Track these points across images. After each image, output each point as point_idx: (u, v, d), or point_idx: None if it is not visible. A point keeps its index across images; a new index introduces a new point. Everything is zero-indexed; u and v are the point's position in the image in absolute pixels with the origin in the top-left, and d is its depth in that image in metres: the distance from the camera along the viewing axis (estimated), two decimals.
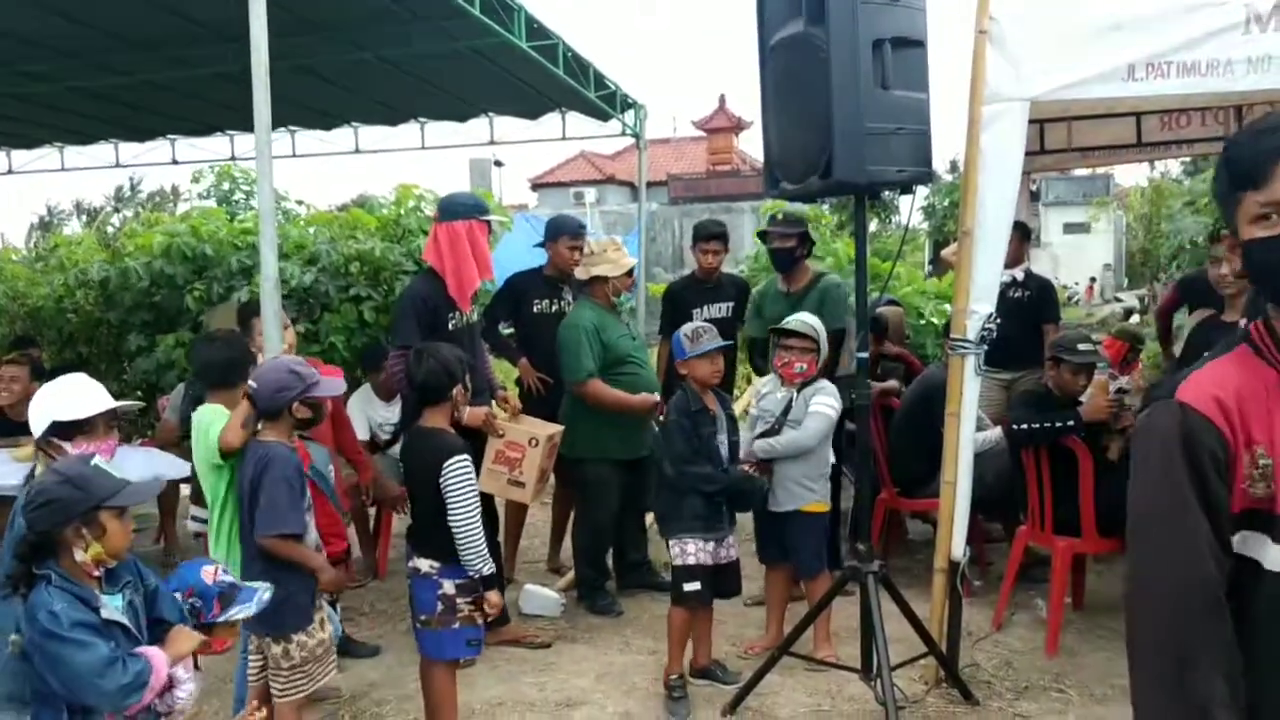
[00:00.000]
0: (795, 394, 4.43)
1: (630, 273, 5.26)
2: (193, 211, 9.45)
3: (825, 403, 4.37)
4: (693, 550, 4.18)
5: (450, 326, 4.68)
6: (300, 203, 11.07)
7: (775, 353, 4.52)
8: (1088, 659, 4.51)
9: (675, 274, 9.50)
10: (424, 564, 3.63)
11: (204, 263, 7.37)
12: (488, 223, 4.79)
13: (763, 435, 4.45)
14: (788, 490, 4.41)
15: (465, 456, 3.59)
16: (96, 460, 2.58)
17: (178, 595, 2.80)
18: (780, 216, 5.51)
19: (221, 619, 2.85)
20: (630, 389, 5.08)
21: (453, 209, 4.77)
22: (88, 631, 2.43)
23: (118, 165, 10.19)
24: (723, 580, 4.31)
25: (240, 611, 2.89)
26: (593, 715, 4.18)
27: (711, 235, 5.79)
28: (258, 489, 3.37)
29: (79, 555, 2.48)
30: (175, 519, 6.66)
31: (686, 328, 4.34)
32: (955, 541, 4.10)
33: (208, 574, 2.90)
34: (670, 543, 4.25)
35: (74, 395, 3.11)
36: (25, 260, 9.89)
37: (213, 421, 3.56)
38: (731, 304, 5.87)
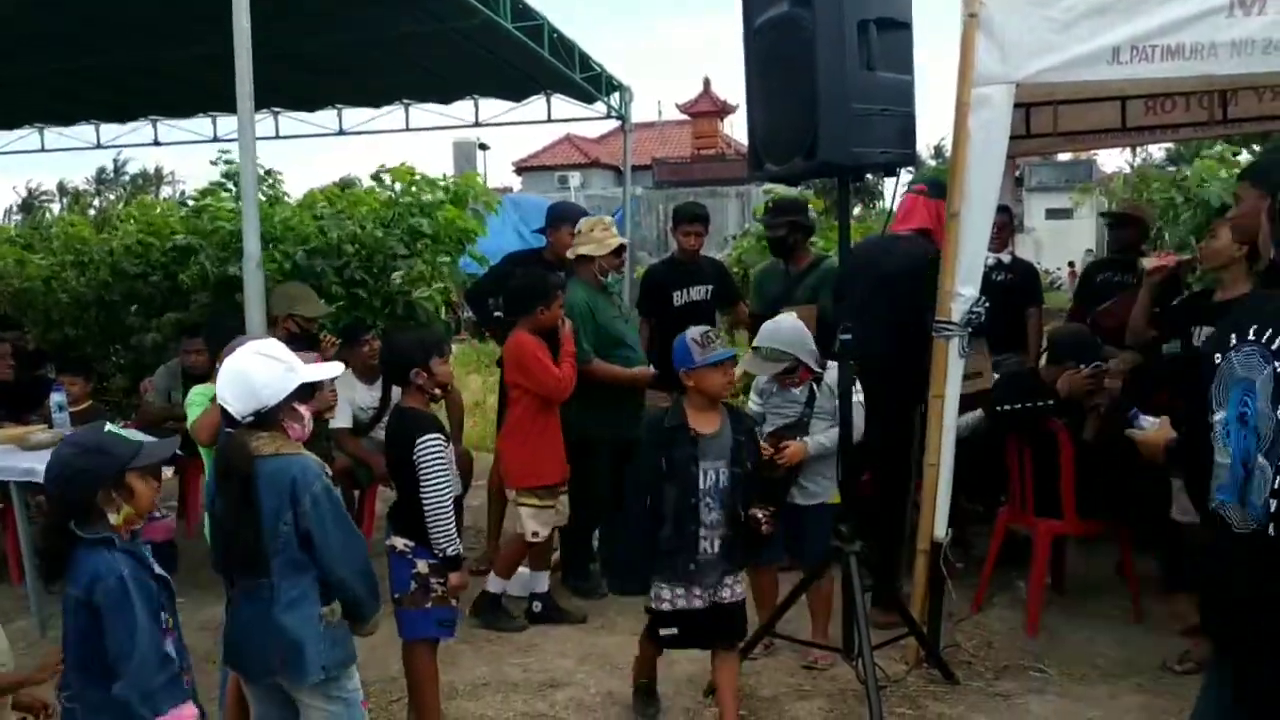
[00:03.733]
0: (814, 384, 4.28)
1: (618, 252, 5.26)
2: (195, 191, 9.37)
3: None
4: (668, 596, 3.64)
5: None
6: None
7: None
8: (1068, 639, 4.54)
9: (659, 257, 9.53)
10: (399, 542, 3.63)
11: (202, 240, 7.28)
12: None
13: (788, 428, 4.29)
14: (818, 484, 4.32)
15: (437, 435, 3.60)
16: (109, 427, 2.58)
17: None
18: (771, 205, 5.53)
19: None
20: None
21: (939, 190, 4.69)
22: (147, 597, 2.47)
23: (99, 146, 10.16)
24: (711, 625, 3.67)
25: None
26: (576, 695, 4.20)
27: (694, 217, 5.82)
28: None
29: (113, 518, 2.51)
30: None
31: (694, 331, 3.68)
32: (938, 523, 4.12)
33: None
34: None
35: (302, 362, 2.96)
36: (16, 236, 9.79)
37: (196, 402, 3.64)
38: (711, 286, 5.88)
